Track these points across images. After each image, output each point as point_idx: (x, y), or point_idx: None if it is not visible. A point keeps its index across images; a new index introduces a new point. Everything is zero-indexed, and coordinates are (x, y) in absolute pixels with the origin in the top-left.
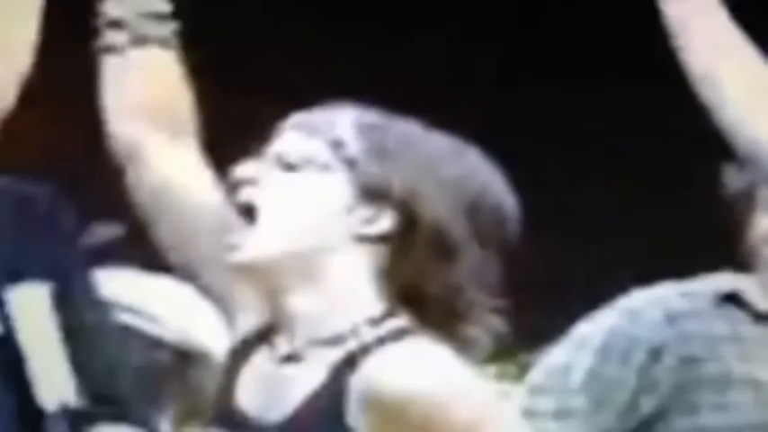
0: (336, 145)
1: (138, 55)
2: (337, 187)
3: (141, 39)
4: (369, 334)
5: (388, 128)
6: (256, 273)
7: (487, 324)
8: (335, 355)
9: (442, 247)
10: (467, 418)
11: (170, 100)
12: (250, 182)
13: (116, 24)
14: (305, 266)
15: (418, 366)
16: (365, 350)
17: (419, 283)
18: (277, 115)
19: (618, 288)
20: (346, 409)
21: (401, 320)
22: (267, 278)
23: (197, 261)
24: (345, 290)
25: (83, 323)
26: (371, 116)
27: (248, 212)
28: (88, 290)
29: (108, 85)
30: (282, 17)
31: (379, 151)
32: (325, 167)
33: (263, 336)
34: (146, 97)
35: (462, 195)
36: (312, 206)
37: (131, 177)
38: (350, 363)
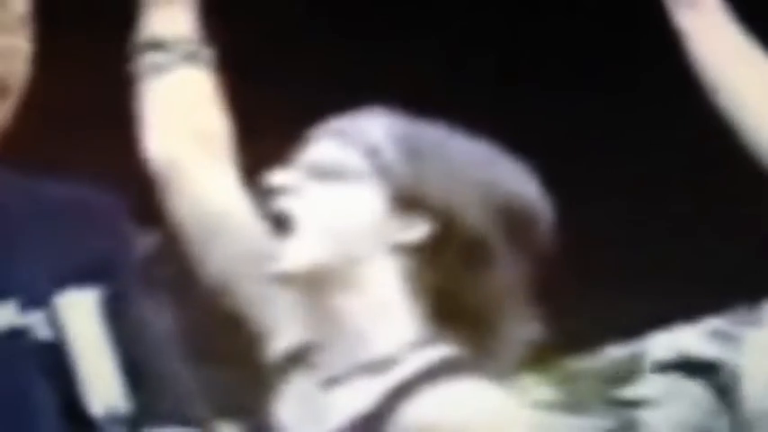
0: (371, 153)
1: (177, 76)
2: (372, 196)
3: (182, 60)
4: (413, 362)
5: (421, 134)
6: (296, 283)
7: (524, 331)
8: (379, 384)
9: (478, 254)
10: None
11: (208, 121)
12: (286, 191)
13: (157, 45)
14: (343, 276)
15: (467, 409)
16: (412, 384)
17: (455, 291)
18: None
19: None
20: None
21: (445, 348)
22: (306, 288)
23: (236, 279)
24: (384, 303)
25: (131, 328)
26: (404, 123)
27: (281, 221)
28: (136, 295)
29: (147, 105)
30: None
31: (413, 158)
32: (359, 176)
33: (304, 355)
34: (185, 118)
35: (496, 201)
36: (348, 215)
37: (170, 197)
38: (399, 394)
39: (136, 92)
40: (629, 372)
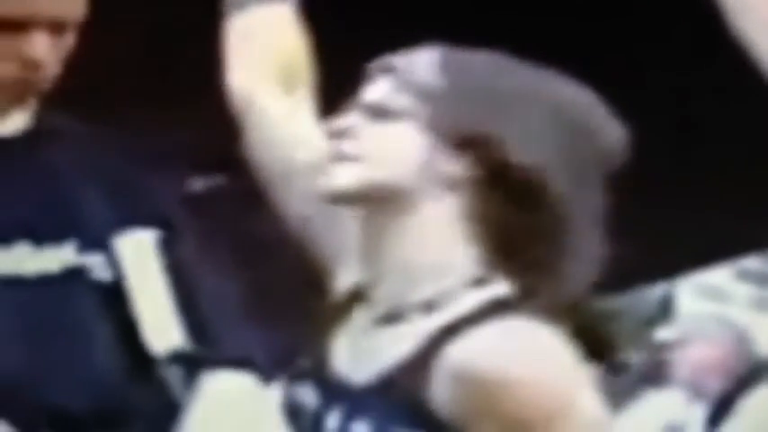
0: (420, 89)
1: (261, 11)
2: (423, 131)
3: None
4: (467, 300)
5: (473, 65)
6: (347, 201)
7: (584, 271)
8: (432, 322)
9: (536, 190)
10: (561, 410)
11: (289, 54)
12: (345, 134)
13: None
14: (396, 203)
15: (516, 352)
16: (463, 323)
17: (512, 229)
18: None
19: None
20: (434, 382)
21: (500, 286)
22: (359, 210)
23: (308, 215)
24: (439, 238)
25: (188, 267)
26: (456, 54)
27: (341, 161)
28: (192, 236)
29: (231, 40)
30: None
31: (464, 91)
32: (409, 112)
33: (363, 292)
34: (266, 52)
35: (557, 130)
36: (398, 150)
37: (249, 131)
38: (446, 334)
39: (222, 28)
40: (658, 313)
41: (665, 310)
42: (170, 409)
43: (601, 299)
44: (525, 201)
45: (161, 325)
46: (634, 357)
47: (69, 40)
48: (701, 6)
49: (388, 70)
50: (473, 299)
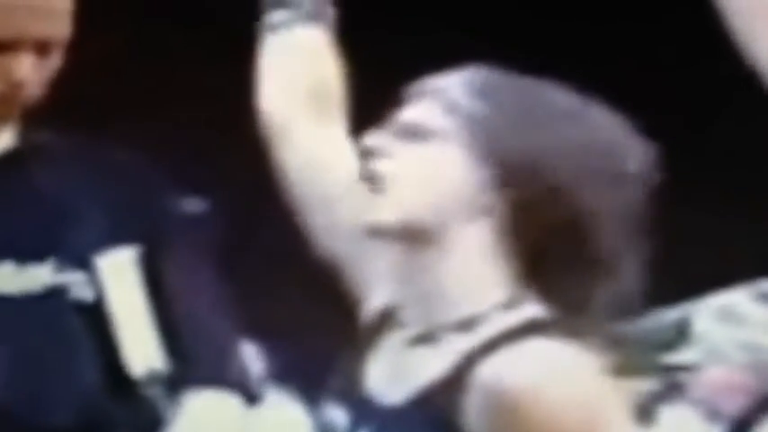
0: (453, 110)
1: (297, 34)
2: (459, 155)
3: (302, 19)
4: (500, 322)
5: (511, 88)
6: (387, 236)
7: (617, 292)
8: (466, 342)
9: (568, 213)
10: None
11: (324, 80)
12: (377, 152)
13: (280, 3)
14: (433, 234)
15: (548, 372)
16: (496, 342)
17: (546, 251)
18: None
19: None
20: (466, 401)
21: (532, 308)
22: (398, 243)
23: (337, 236)
24: (474, 262)
25: (170, 286)
26: (494, 77)
27: (374, 182)
28: (175, 255)
29: (265, 62)
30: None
31: (502, 115)
32: (445, 135)
33: (394, 313)
34: (301, 76)
35: (589, 154)
36: (435, 174)
37: (279, 151)
38: (480, 354)
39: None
40: (675, 337)
41: (681, 334)
42: (153, 427)
43: (616, 323)
44: (560, 224)
45: (140, 345)
46: (650, 380)
47: (55, 59)
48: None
49: (426, 92)
50: (507, 320)
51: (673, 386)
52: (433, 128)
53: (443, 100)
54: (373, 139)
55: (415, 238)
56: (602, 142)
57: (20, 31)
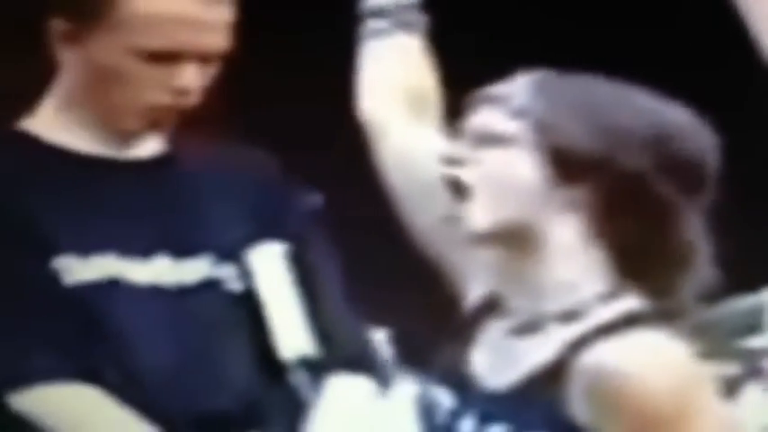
0: (523, 114)
1: (395, 41)
2: (532, 157)
3: (399, 26)
4: (602, 312)
5: (573, 88)
6: (485, 242)
7: (699, 282)
8: (569, 332)
9: (650, 205)
10: (685, 416)
11: (420, 83)
12: (458, 161)
13: (378, 13)
14: (525, 234)
15: (651, 360)
16: (597, 333)
17: (633, 243)
18: None
19: None
20: (569, 388)
21: (631, 300)
22: (495, 246)
23: (435, 233)
24: (568, 256)
25: (315, 279)
26: (555, 78)
27: (458, 188)
28: (317, 249)
29: (366, 66)
30: None
31: (564, 114)
32: (516, 139)
33: (496, 304)
34: (399, 79)
35: (661, 148)
36: (513, 178)
37: (379, 152)
38: (581, 344)
39: (358, 55)
40: (754, 322)
41: (756, 321)
42: (301, 411)
43: (699, 310)
44: (642, 214)
45: (290, 332)
46: (731, 364)
47: (214, 69)
48: None
49: (491, 99)
50: (608, 311)
51: (753, 370)
52: (504, 133)
53: (510, 105)
54: (451, 147)
55: (509, 238)
56: (670, 129)
57: (185, 42)
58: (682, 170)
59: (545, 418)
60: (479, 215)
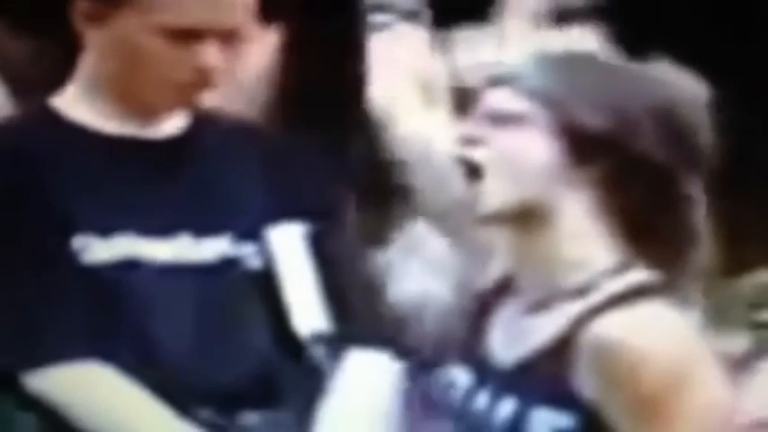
0: (533, 94)
1: (400, 31)
2: (545, 135)
3: (402, 19)
4: (609, 287)
5: (577, 66)
6: (495, 222)
7: (706, 255)
8: (577, 307)
9: (659, 179)
10: (686, 384)
11: (425, 68)
12: (473, 140)
13: (379, 8)
14: (536, 212)
15: (652, 332)
16: (605, 305)
17: (643, 216)
18: None
19: None
20: (576, 361)
21: (639, 273)
22: (506, 226)
23: (445, 210)
24: (580, 233)
25: (335, 257)
26: (559, 57)
27: (471, 169)
28: (337, 231)
29: (374, 56)
30: None
31: (573, 92)
32: (530, 118)
33: (510, 283)
34: (406, 66)
35: (669, 121)
36: (527, 157)
37: (390, 136)
38: (589, 317)
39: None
40: (764, 297)
41: None
42: (318, 386)
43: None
44: (653, 188)
45: (306, 309)
46: (744, 337)
47: (237, 48)
48: None
49: (504, 79)
50: (616, 285)
51: (765, 344)
52: (517, 112)
53: (522, 84)
54: (467, 128)
55: (521, 216)
56: (677, 105)
57: (206, 20)
58: (685, 142)
59: (553, 393)
60: (491, 195)
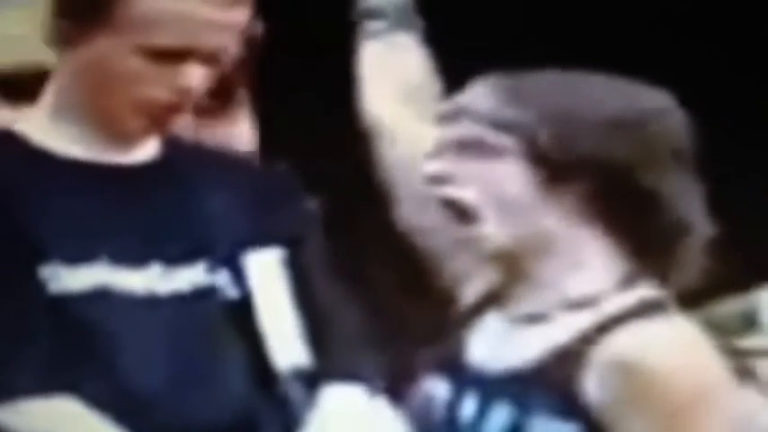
0: (505, 125)
1: (391, 41)
2: (517, 164)
3: (394, 28)
4: (618, 301)
5: (536, 89)
6: (507, 256)
7: (698, 268)
8: (582, 319)
9: (642, 187)
10: (706, 399)
11: (416, 81)
12: (446, 178)
13: (375, 14)
14: (533, 241)
15: (674, 350)
16: (613, 322)
17: (636, 229)
18: None
19: None
20: (584, 375)
21: (646, 288)
22: (516, 259)
23: (428, 228)
24: (578, 249)
25: (311, 285)
26: (516, 80)
27: (460, 211)
28: (315, 255)
29: (365, 67)
30: None
31: (539, 116)
32: (497, 149)
33: (493, 298)
34: (398, 78)
35: (641, 131)
36: (507, 187)
37: (380, 148)
38: (599, 332)
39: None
40: (745, 323)
41: (748, 322)
42: (295, 421)
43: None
44: (640, 204)
45: (285, 341)
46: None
47: (218, 70)
48: None
49: (465, 110)
50: (623, 300)
51: (743, 370)
52: (491, 146)
53: (489, 116)
54: (436, 165)
55: (521, 249)
56: (647, 116)
57: (193, 41)
58: (660, 151)
59: (557, 403)
60: (496, 233)
